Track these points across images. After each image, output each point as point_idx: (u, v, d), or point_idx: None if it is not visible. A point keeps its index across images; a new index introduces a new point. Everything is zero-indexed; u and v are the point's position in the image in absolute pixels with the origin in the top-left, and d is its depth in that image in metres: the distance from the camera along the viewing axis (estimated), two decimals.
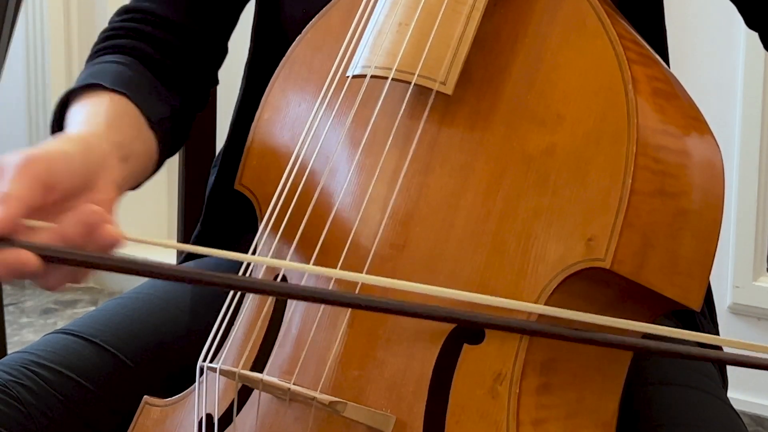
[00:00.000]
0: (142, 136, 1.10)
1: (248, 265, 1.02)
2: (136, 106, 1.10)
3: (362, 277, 0.94)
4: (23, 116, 3.31)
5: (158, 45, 1.19)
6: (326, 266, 0.98)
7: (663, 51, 1.21)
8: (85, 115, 1.07)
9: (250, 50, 1.28)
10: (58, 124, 1.10)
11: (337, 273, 0.95)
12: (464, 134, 0.97)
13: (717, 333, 1.23)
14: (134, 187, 1.11)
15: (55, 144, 0.94)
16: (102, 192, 0.94)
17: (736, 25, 2.43)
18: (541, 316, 0.91)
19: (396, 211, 0.98)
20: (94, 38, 1.22)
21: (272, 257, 1.02)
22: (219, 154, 1.31)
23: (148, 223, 3.33)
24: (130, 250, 3.57)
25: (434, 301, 0.92)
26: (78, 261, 0.87)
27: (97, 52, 1.19)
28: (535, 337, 0.91)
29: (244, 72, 1.29)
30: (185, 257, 1.33)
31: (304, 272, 0.99)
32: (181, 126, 1.20)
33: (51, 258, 0.86)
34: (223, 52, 1.25)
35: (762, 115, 2.45)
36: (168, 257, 1.69)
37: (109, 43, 1.19)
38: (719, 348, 1.22)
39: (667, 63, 1.19)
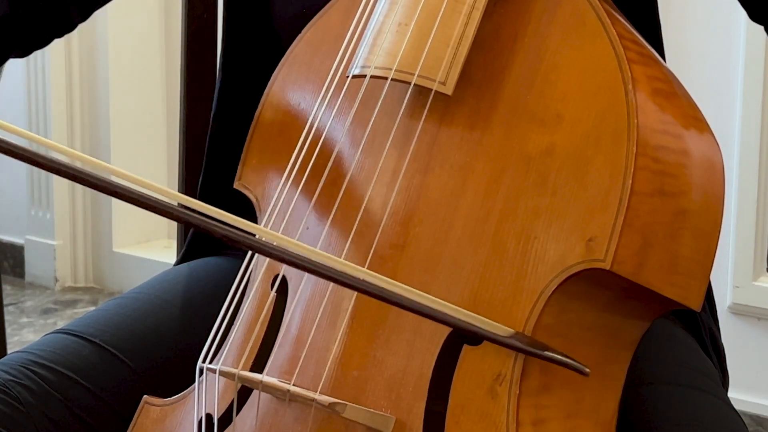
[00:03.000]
0: None
1: (249, 262, 1.02)
2: None
3: (363, 272, 0.92)
4: (24, 116, 3.31)
5: None
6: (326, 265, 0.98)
7: (658, 46, 1.20)
8: None
9: (222, 43, 1.27)
10: None
11: (341, 262, 0.93)
12: (464, 134, 0.97)
13: (718, 332, 1.23)
14: None
15: None
16: None
17: (735, 25, 2.43)
18: (535, 327, 0.91)
19: (396, 211, 0.97)
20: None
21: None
22: (204, 153, 1.30)
23: (149, 219, 3.33)
24: (128, 238, 3.52)
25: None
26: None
27: None
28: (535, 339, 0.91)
29: (219, 66, 1.27)
30: (182, 257, 1.33)
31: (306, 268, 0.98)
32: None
33: None
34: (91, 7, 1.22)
35: (762, 115, 2.45)
36: (168, 257, 1.69)
37: None
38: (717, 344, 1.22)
39: (663, 58, 1.19)
